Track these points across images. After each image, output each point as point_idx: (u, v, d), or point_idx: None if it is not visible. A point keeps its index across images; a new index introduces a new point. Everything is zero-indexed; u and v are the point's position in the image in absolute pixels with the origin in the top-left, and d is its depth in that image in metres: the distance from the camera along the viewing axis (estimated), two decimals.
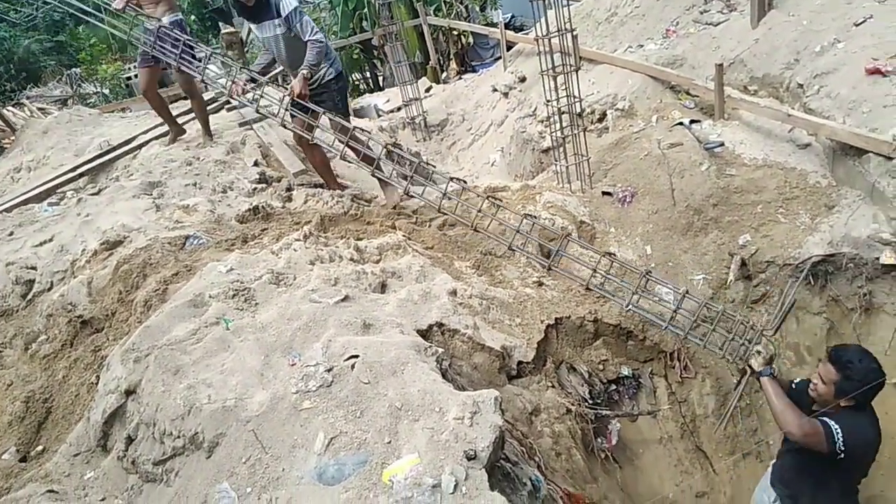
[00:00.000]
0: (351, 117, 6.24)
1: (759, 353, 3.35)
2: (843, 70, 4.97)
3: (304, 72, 4.72)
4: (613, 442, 4.21)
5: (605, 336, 4.55)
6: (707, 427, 4.50)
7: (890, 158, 4.11)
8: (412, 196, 4.55)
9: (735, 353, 3.48)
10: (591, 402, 4.27)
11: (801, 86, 5.24)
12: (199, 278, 3.67)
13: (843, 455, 2.82)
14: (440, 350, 3.21)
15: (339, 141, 4.76)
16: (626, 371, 4.53)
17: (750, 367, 3.35)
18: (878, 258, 4.17)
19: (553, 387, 4.11)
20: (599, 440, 4.19)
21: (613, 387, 4.51)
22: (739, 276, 4.64)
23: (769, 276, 4.60)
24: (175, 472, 2.77)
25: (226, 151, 6.05)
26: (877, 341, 4.30)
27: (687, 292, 3.71)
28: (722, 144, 5.16)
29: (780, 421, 3.01)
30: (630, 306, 3.85)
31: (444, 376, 3.15)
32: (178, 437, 2.77)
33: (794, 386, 3.40)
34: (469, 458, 2.49)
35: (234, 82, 4.88)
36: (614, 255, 4.30)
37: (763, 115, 5.21)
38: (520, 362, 3.98)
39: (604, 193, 5.43)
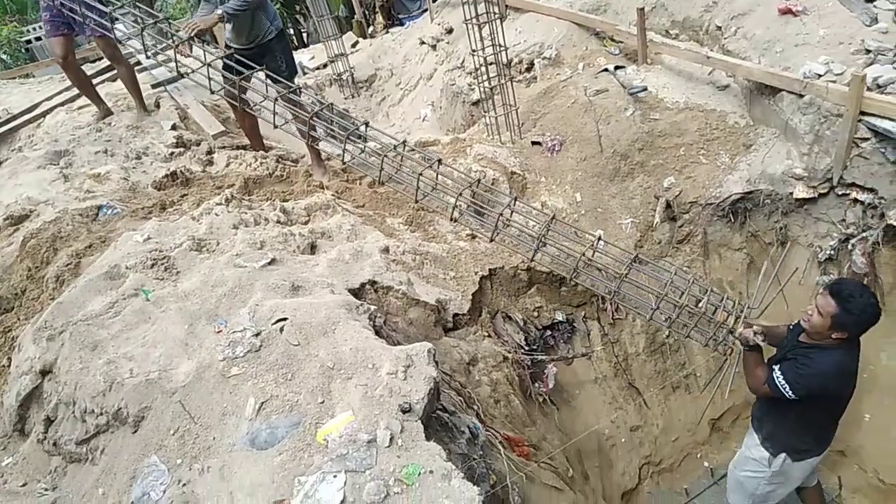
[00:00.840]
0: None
1: (755, 332, 3.29)
2: (758, 11, 5.07)
3: (219, 12, 4.22)
4: (550, 385, 4.32)
5: (538, 284, 4.61)
6: (638, 364, 4.67)
7: (801, 96, 4.25)
8: (349, 164, 4.37)
9: (715, 339, 3.50)
10: (527, 348, 4.35)
11: (719, 28, 5.33)
12: (114, 249, 3.48)
13: (796, 397, 2.95)
14: (372, 308, 3.17)
15: (294, 116, 4.36)
16: (560, 316, 4.62)
17: (746, 342, 3.25)
18: (791, 193, 4.35)
19: (489, 336, 4.16)
20: (537, 385, 4.29)
21: (549, 332, 4.60)
22: (665, 218, 4.76)
23: (693, 217, 4.74)
24: (100, 450, 2.66)
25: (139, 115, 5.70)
26: (789, 272, 4.53)
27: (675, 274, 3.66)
28: (645, 89, 5.21)
29: (748, 381, 3.24)
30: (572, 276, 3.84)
31: (378, 333, 3.13)
32: (101, 414, 2.66)
33: (790, 328, 3.33)
34: (404, 412, 2.49)
35: (178, 45, 4.26)
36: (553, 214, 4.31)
37: (684, 58, 5.28)
38: (455, 314, 4.00)
39: (533, 143, 5.43)
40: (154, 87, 6.42)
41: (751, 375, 3.20)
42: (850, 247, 4.10)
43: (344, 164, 3.85)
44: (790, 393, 2.94)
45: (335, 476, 2.24)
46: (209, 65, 3.90)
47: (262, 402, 2.51)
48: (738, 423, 4.80)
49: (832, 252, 4.21)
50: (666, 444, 4.79)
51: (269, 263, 3.35)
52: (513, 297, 4.48)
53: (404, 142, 3.80)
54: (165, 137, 5.29)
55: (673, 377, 4.70)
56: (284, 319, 2.83)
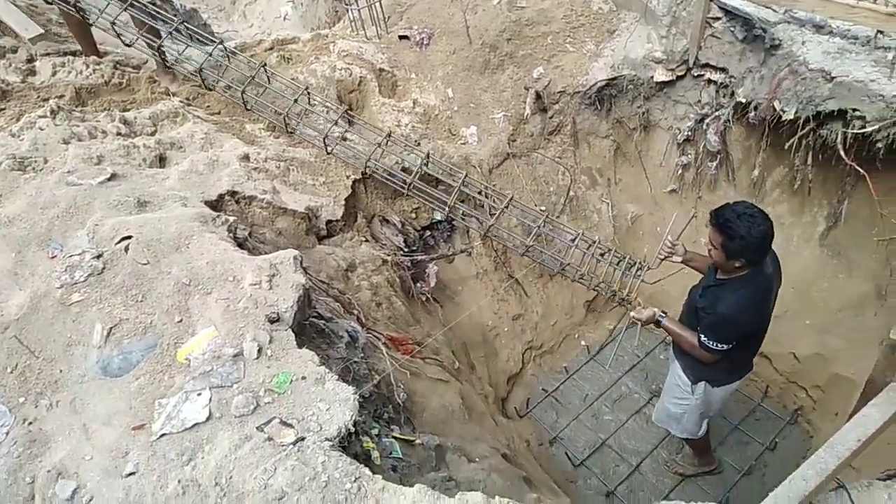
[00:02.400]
0: None
1: (639, 304, 3.29)
2: None
3: None
4: (432, 284, 4.34)
5: (414, 185, 4.52)
6: (517, 257, 4.77)
7: None
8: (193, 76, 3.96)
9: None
10: (406, 250, 4.31)
11: None
12: None
13: (729, 346, 2.82)
14: (231, 219, 2.96)
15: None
16: (438, 216, 4.59)
17: (651, 322, 3.15)
18: (652, 77, 4.45)
19: (367, 241, 4.07)
20: (419, 284, 4.29)
21: (428, 233, 4.58)
22: (535, 110, 4.76)
23: (562, 107, 4.77)
24: None
25: None
26: (654, 155, 4.73)
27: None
28: None
29: (692, 354, 3.03)
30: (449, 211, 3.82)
31: (242, 246, 2.95)
32: None
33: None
34: (272, 322, 2.38)
35: None
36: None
37: None
38: (329, 221, 3.85)
39: (401, 38, 5.16)
40: None
41: (681, 344, 3.08)
42: (704, 126, 4.30)
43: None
44: (724, 346, 2.80)
45: (199, 394, 2.12)
46: None
47: (111, 328, 2.31)
48: (611, 303, 5.10)
49: (689, 133, 4.41)
50: (546, 329, 5.02)
51: (110, 179, 3.01)
52: (389, 200, 4.38)
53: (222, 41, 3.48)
54: None
55: (549, 267, 4.86)
56: (129, 238, 2.57)
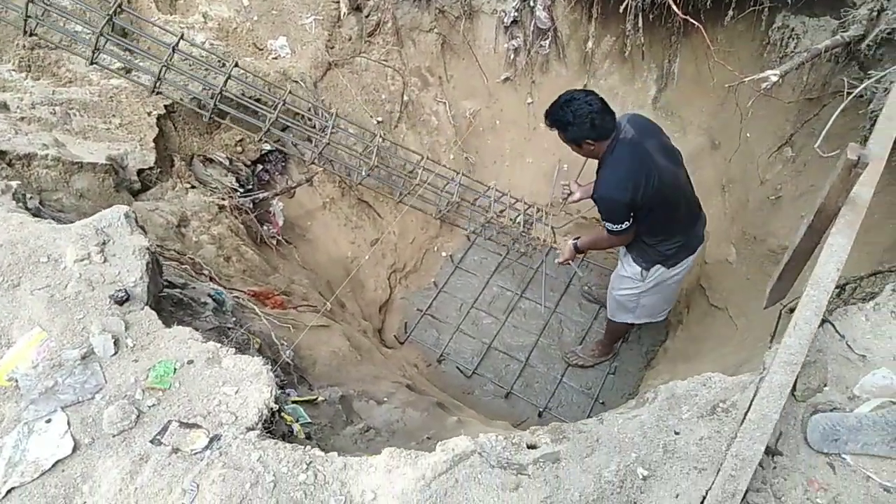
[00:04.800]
0: None
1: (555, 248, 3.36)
2: None
3: None
4: (280, 224, 3.80)
5: (229, 113, 3.83)
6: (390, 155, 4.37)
7: None
8: None
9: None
10: (242, 191, 3.69)
11: None
12: None
13: (627, 223, 2.83)
14: (14, 183, 2.19)
15: None
16: (267, 146, 3.98)
17: (575, 252, 3.31)
18: None
19: (193, 188, 3.40)
20: (266, 227, 3.73)
21: (261, 167, 3.96)
22: (350, 9, 4.23)
23: (378, 2, 4.29)
24: None
25: None
26: (483, 44, 4.51)
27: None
28: None
29: (612, 244, 3.17)
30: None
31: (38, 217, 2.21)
32: None
33: None
34: (121, 303, 1.79)
35: None
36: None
37: None
38: (140, 171, 3.11)
39: None
40: None
41: (600, 245, 3.27)
42: (531, 4, 4.13)
43: None
44: (623, 225, 2.82)
45: (48, 420, 1.52)
46: None
47: None
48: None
49: (516, 14, 4.21)
50: (405, 248, 4.76)
51: None
52: (207, 136, 3.67)
53: None
54: None
55: (398, 182, 4.53)
56: None
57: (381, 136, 4.05)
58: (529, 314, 4.47)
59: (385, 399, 3.07)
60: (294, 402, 2.61)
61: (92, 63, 3.10)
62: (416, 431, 2.85)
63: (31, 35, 3.09)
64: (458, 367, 4.26)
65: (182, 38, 3.22)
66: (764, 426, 1.31)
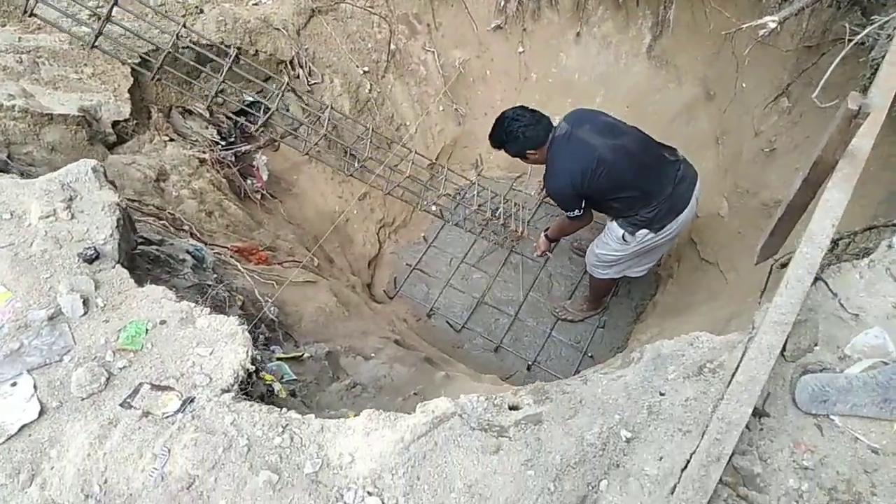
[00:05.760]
0: None
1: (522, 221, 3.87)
2: None
3: None
4: (265, 177, 3.70)
5: (211, 62, 3.68)
6: (349, 127, 4.23)
7: None
8: None
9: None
10: (224, 143, 3.58)
11: None
12: None
13: (578, 211, 3.04)
14: None
15: None
16: (249, 97, 3.83)
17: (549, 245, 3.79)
18: None
19: (172, 140, 3.28)
20: (249, 181, 3.63)
21: (243, 119, 3.83)
22: None
23: None
24: None
25: None
26: None
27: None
28: None
29: (575, 229, 3.44)
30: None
31: (4, 173, 2.12)
32: None
33: None
34: (90, 261, 1.72)
35: None
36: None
37: None
38: (115, 123, 2.99)
39: None
40: None
41: (566, 231, 3.56)
42: None
43: None
44: (577, 211, 3.03)
45: (14, 384, 1.47)
46: None
47: None
48: (451, 161, 4.84)
49: None
50: (395, 202, 4.64)
51: None
52: (185, 85, 3.52)
53: None
54: None
55: (385, 132, 4.40)
56: None
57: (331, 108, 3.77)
58: (519, 269, 4.43)
59: (372, 355, 3.04)
60: (279, 358, 2.57)
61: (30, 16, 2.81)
62: (404, 387, 2.83)
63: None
64: (447, 322, 4.24)
65: None
66: (752, 388, 1.28)
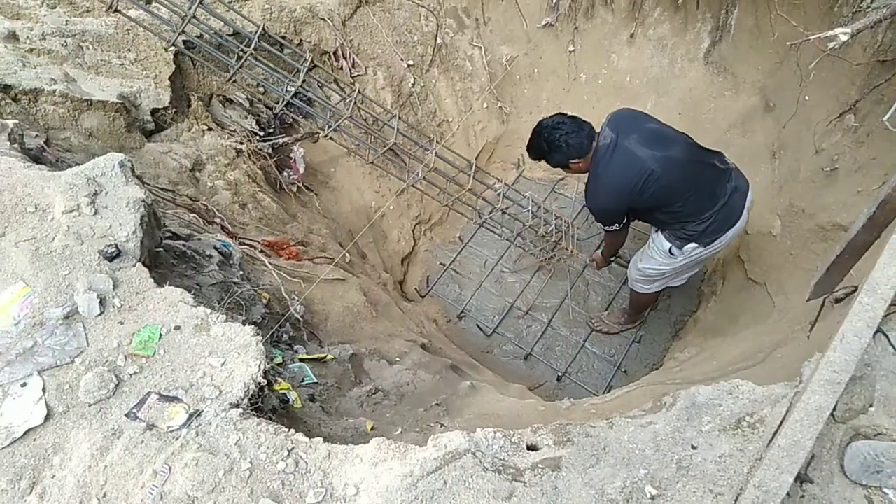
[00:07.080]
0: None
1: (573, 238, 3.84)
2: None
3: None
4: (301, 170, 3.67)
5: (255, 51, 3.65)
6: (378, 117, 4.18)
7: None
8: None
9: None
10: (262, 134, 3.56)
11: None
12: None
13: (618, 225, 2.94)
14: (11, 123, 2.08)
15: None
16: (291, 87, 3.80)
17: (593, 262, 3.74)
18: None
19: (210, 129, 3.27)
20: (286, 173, 3.61)
21: (283, 110, 3.79)
22: None
23: None
24: None
25: None
26: None
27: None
28: None
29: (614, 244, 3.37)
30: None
31: (39, 161, 2.12)
32: None
33: None
34: (110, 259, 1.69)
35: None
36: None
37: None
38: (155, 110, 2.99)
39: None
40: None
41: (611, 247, 3.42)
42: None
43: None
44: (615, 226, 2.94)
45: (24, 384, 1.45)
46: None
47: None
48: (493, 159, 4.73)
49: None
50: (432, 200, 4.58)
51: None
52: (227, 75, 3.51)
53: None
54: None
55: (426, 127, 4.32)
56: None
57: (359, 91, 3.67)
58: (555, 275, 4.30)
59: (397, 359, 2.98)
60: (302, 359, 2.54)
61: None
62: (426, 396, 2.76)
63: None
64: (478, 325, 4.15)
65: None
66: (795, 455, 1.15)
